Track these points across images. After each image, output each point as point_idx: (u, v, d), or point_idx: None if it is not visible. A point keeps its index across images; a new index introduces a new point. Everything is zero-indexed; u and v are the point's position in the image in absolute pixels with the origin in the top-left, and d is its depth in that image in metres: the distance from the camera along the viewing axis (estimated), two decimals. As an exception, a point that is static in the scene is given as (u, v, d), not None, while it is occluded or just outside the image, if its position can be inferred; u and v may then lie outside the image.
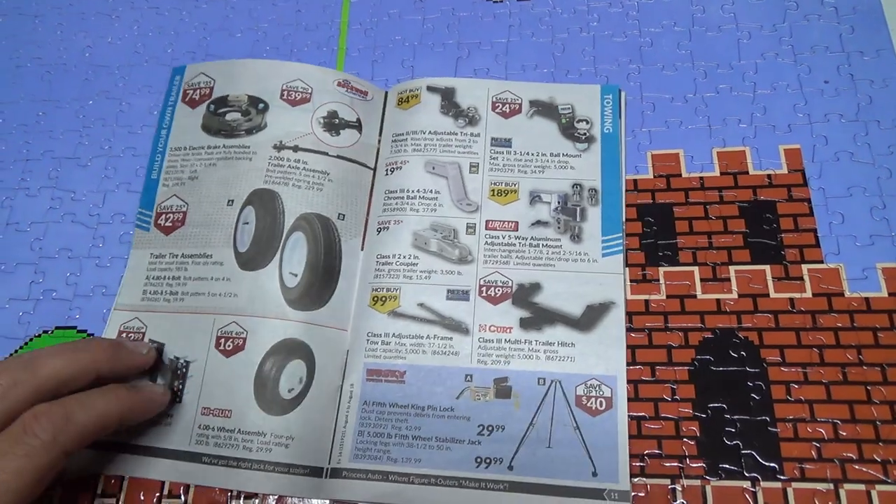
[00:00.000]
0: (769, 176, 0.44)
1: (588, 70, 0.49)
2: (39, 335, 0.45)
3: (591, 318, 0.41)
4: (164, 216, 0.46)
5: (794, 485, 0.36)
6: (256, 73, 0.49)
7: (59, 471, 0.34)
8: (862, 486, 0.36)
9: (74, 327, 0.45)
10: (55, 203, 0.49)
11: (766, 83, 0.47)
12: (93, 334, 0.45)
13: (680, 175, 0.45)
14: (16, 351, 0.45)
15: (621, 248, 0.43)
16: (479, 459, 0.38)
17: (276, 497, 0.39)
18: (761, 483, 0.37)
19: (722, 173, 0.44)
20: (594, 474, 0.37)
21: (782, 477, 0.37)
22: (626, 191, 0.45)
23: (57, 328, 0.46)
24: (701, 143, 0.45)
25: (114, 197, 0.49)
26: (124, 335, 0.44)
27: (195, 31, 0.55)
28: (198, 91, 0.50)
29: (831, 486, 0.36)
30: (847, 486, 0.36)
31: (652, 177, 0.45)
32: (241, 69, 0.50)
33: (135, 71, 0.54)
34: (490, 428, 0.39)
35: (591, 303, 0.42)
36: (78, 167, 0.51)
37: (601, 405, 0.39)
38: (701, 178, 0.44)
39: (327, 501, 0.39)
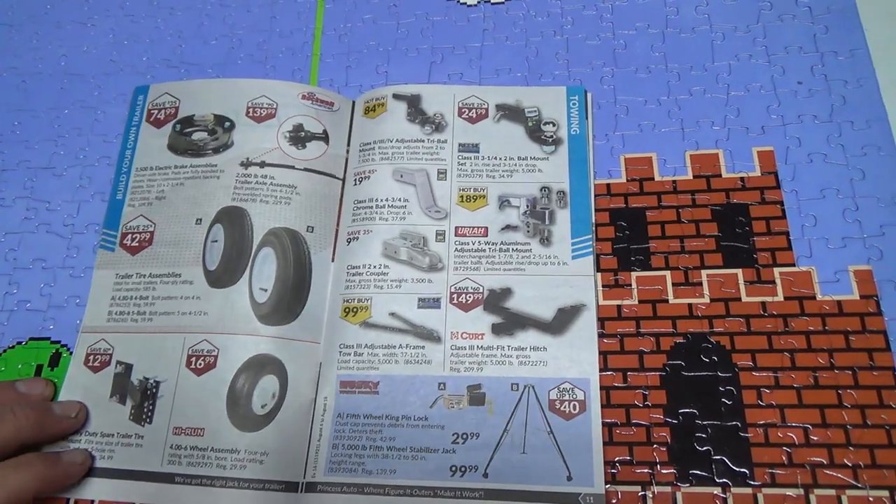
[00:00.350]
0: (742, 178, 0.44)
1: (562, 73, 0.49)
2: (13, 346, 0.45)
3: (562, 321, 0.41)
4: (130, 236, 0.46)
5: (765, 490, 0.36)
6: (222, 91, 0.49)
7: None
8: (832, 492, 0.35)
9: (48, 338, 0.45)
10: (30, 213, 0.49)
11: (739, 84, 0.46)
12: (66, 345, 0.45)
13: (653, 179, 0.44)
14: None
15: (591, 249, 0.43)
16: (453, 468, 0.38)
17: (250, 515, 0.39)
18: (732, 489, 0.36)
19: (695, 176, 0.44)
20: (569, 478, 0.37)
21: (753, 482, 0.36)
22: (599, 195, 0.44)
23: (31, 339, 0.45)
24: (674, 146, 0.45)
25: (88, 206, 0.49)
26: (91, 357, 0.43)
27: (170, 39, 0.55)
28: (162, 111, 0.50)
29: (802, 491, 0.36)
30: (817, 492, 0.36)
31: (625, 181, 0.45)
32: (206, 88, 0.50)
33: (110, 80, 0.54)
34: (464, 436, 0.39)
35: (563, 306, 0.41)
36: (53, 177, 0.51)
37: (574, 408, 0.39)
38: (674, 181, 0.44)
39: (303, 517, 0.39)
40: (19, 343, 0.45)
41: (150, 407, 0.41)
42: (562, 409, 0.39)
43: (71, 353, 0.44)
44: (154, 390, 0.42)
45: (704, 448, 0.37)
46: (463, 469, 0.38)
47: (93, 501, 0.40)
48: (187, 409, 0.41)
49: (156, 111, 0.50)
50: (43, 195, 0.50)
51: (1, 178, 0.51)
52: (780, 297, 0.40)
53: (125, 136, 0.50)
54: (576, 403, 0.39)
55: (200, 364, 0.41)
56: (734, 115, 0.45)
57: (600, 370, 0.40)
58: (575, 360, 0.40)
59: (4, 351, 0.45)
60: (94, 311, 0.45)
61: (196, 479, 0.39)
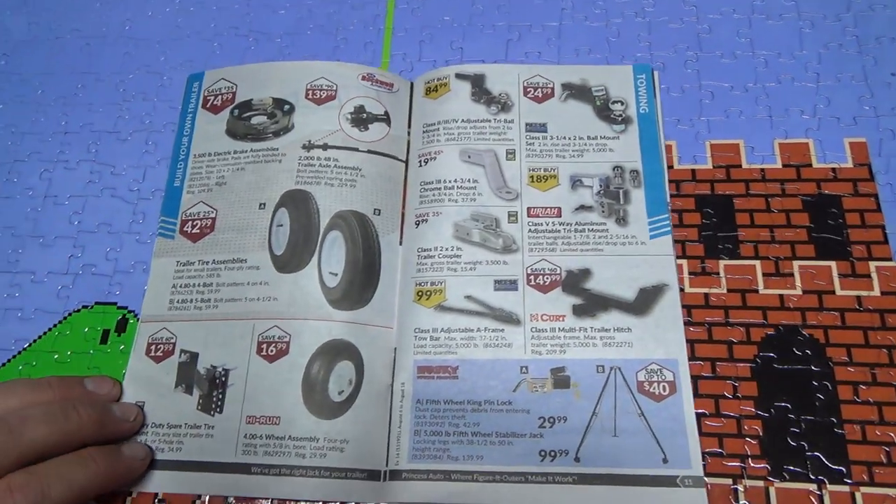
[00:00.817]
0: (834, 169, 0.43)
1: (644, 56, 0.48)
2: (79, 310, 0.44)
3: (645, 301, 0.40)
4: (190, 223, 0.45)
5: (863, 489, 0.35)
6: (279, 75, 0.48)
7: None
8: None
9: (115, 303, 0.44)
10: (94, 177, 0.48)
11: (829, 74, 0.45)
12: (133, 311, 0.44)
13: (740, 166, 0.43)
14: (55, 325, 0.44)
15: (669, 229, 0.42)
16: (543, 453, 0.37)
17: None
18: (828, 486, 0.35)
19: (784, 165, 0.43)
20: (665, 461, 0.36)
21: (849, 481, 0.35)
22: (684, 181, 0.43)
23: (97, 303, 0.44)
24: (762, 133, 0.44)
25: (154, 173, 0.48)
26: (153, 347, 0.42)
27: (238, 6, 0.54)
28: (219, 97, 0.48)
29: None
30: None
31: (711, 167, 0.44)
32: (264, 72, 0.48)
33: (176, 45, 0.53)
34: (551, 420, 0.38)
35: (644, 286, 0.40)
36: (118, 141, 0.49)
37: (664, 390, 0.38)
38: (762, 169, 0.43)
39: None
40: (85, 307, 0.44)
41: (220, 396, 0.40)
42: (651, 390, 0.38)
43: (138, 319, 0.43)
44: (223, 379, 0.40)
45: (798, 443, 0.36)
46: (553, 454, 0.37)
47: (156, 495, 0.38)
48: (260, 398, 0.39)
49: (212, 97, 0.48)
50: (107, 159, 0.49)
51: (64, 140, 0.50)
52: (877, 292, 0.39)
53: (181, 123, 0.48)
54: (665, 385, 0.38)
55: (272, 351, 0.40)
56: (824, 105, 0.44)
57: (688, 359, 0.38)
58: (661, 340, 0.39)
59: (70, 314, 0.44)
60: (154, 299, 0.43)
61: (274, 469, 0.38)
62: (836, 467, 0.35)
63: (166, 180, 0.47)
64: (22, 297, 0.45)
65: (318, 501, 0.37)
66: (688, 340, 0.39)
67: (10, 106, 0.52)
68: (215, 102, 0.48)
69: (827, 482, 0.35)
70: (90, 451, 0.36)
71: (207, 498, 0.38)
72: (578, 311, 0.40)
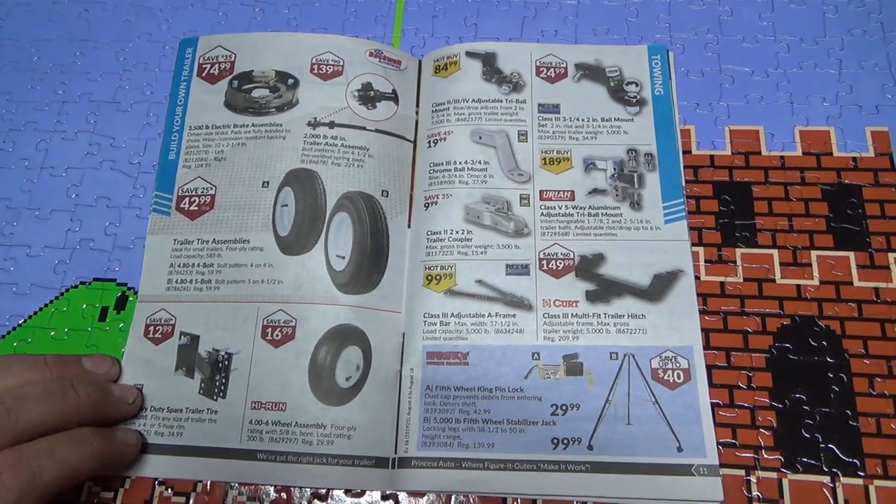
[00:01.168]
0: (854, 158, 0.42)
1: (663, 38, 0.46)
2: (76, 286, 0.43)
3: (659, 287, 0.39)
4: (187, 199, 0.43)
5: (877, 482, 0.35)
6: (281, 46, 0.46)
7: None
8: None
9: (114, 280, 0.43)
10: (93, 148, 0.46)
11: (852, 61, 0.45)
12: (133, 288, 0.42)
13: (759, 153, 0.43)
14: (52, 301, 0.42)
15: (684, 214, 0.41)
16: (555, 441, 0.36)
17: (342, 491, 0.37)
18: (841, 479, 0.35)
19: (804, 153, 0.42)
20: (679, 449, 0.36)
21: (863, 474, 0.35)
22: (702, 166, 0.43)
23: (95, 279, 0.43)
24: (782, 120, 0.43)
25: (155, 146, 0.46)
26: (151, 328, 0.40)
27: None
28: (216, 65, 0.46)
29: None
30: None
31: (730, 153, 0.43)
32: (264, 42, 0.47)
33: (179, 14, 0.50)
34: (564, 407, 0.37)
35: (659, 272, 0.40)
36: (118, 112, 0.48)
37: (679, 377, 0.37)
38: (782, 157, 0.42)
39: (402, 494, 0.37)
40: (83, 283, 0.43)
41: (223, 380, 0.39)
42: (665, 378, 0.37)
43: (138, 296, 0.42)
44: (226, 363, 0.39)
45: (812, 435, 0.36)
46: (566, 441, 0.36)
47: (155, 480, 0.37)
48: (266, 383, 0.38)
49: (208, 65, 0.46)
50: (106, 130, 0.47)
51: (62, 110, 0.48)
52: (895, 284, 0.39)
53: (174, 91, 0.46)
54: (680, 372, 0.37)
55: (277, 335, 0.39)
56: (846, 93, 0.44)
57: (703, 348, 0.38)
58: (676, 327, 0.38)
59: (67, 290, 0.43)
60: (151, 279, 0.42)
61: (281, 456, 0.37)
62: (850, 460, 0.35)
63: (159, 152, 0.45)
64: (17, 272, 0.43)
65: (325, 489, 0.37)
66: (702, 329, 0.38)
67: (5, 72, 0.50)
68: (212, 71, 0.46)
69: (840, 475, 0.35)
70: (84, 432, 0.34)
71: (209, 484, 0.37)
72: (592, 296, 0.39)
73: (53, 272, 0.43)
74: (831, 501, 0.35)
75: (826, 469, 0.35)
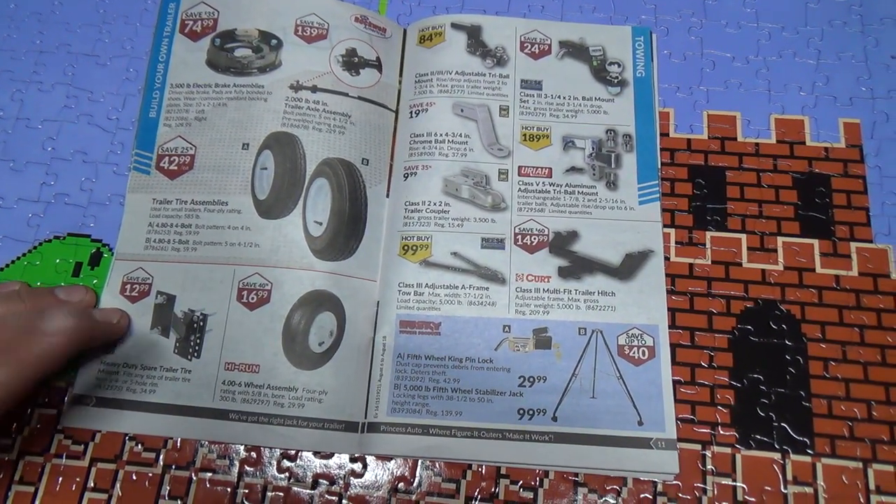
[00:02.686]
0: (826, 148, 0.43)
1: (648, 19, 0.47)
2: (50, 240, 0.42)
3: (630, 266, 0.40)
4: (167, 158, 0.43)
5: (824, 460, 0.36)
6: (267, 5, 0.45)
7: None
8: (891, 468, 0.36)
9: (88, 235, 0.43)
10: (70, 102, 0.46)
11: (830, 52, 0.45)
12: (108, 245, 0.42)
13: (735, 139, 0.43)
14: (24, 255, 0.42)
15: (658, 195, 0.42)
16: (521, 411, 0.38)
17: (311, 452, 0.38)
18: (791, 456, 0.37)
19: (778, 141, 0.43)
20: (640, 423, 0.37)
21: (812, 452, 0.37)
22: (679, 150, 0.43)
23: (69, 234, 0.43)
24: (759, 107, 0.44)
25: (134, 102, 0.45)
26: (128, 286, 0.40)
27: None
28: (199, 22, 0.46)
29: (860, 464, 0.36)
30: (876, 466, 0.36)
31: (706, 138, 0.44)
32: (249, 0, 0.46)
33: None
34: (531, 379, 0.38)
35: (630, 251, 0.41)
36: (96, 66, 0.47)
37: (643, 354, 0.38)
38: (756, 143, 0.43)
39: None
40: (57, 237, 0.42)
41: (198, 340, 0.39)
42: (631, 354, 0.38)
43: (112, 253, 0.42)
44: (201, 323, 0.39)
45: (767, 414, 0.37)
46: (531, 412, 0.37)
47: (126, 436, 0.38)
48: (240, 345, 0.39)
49: (190, 22, 0.46)
50: (85, 84, 0.46)
51: (39, 60, 0.47)
52: (855, 272, 0.40)
53: (155, 47, 0.46)
54: (645, 349, 0.39)
55: (253, 298, 0.39)
56: (823, 83, 0.45)
57: (668, 327, 0.39)
58: (643, 306, 0.39)
59: (41, 244, 0.42)
60: (129, 237, 0.42)
61: (252, 417, 0.37)
62: (801, 438, 0.37)
63: (140, 110, 0.45)
64: None
65: (295, 450, 0.37)
66: (669, 309, 0.40)
67: None
68: (194, 28, 0.46)
69: (791, 452, 0.37)
70: (55, 309, 0.35)
71: (179, 441, 0.38)
72: (564, 272, 0.40)
73: (27, 225, 0.43)
74: (780, 476, 0.36)
75: (777, 446, 0.37)
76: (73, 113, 0.45)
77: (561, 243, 0.41)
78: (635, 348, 0.39)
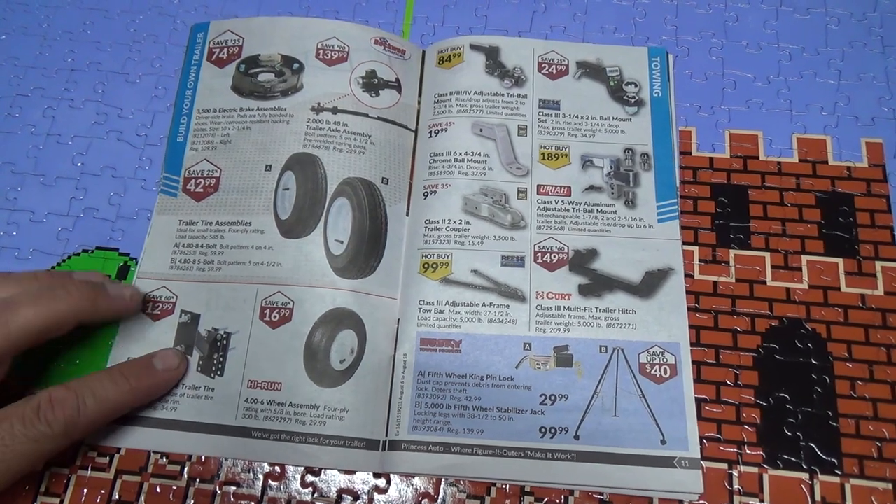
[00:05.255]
0: (849, 168, 0.43)
1: (669, 39, 0.47)
2: (78, 253, 0.43)
3: (650, 284, 0.40)
4: (193, 181, 0.44)
5: (853, 481, 0.36)
6: (289, 31, 0.47)
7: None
8: None
9: (116, 249, 0.43)
10: (100, 118, 0.47)
11: (851, 72, 0.45)
12: (135, 259, 0.43)
13: (757, 157, 0.44)
14: (53, 267, 0.43)
15: (677, 213, 0.42)
16: (543, 429, 0.37)
17: (336, 471, 0.38)
18: (819, 476, 0.36)
19: (801, 160, 0.43)
20: (663, 442, 0.37)
21: (840, 472, 0.36)
22: (700, 168, 0.43)
23: (98, 248, 0.43)
24: (781, 126, 0.44)
25: (163, 119, 0.47)
26: (151, 305, 0.41)
27: None
28: (225, 50, 0.47)
29: (889, 485, 0.36)
30: None
31: (728, 156, 0.44)
32: (272, 27, 0.47)
33: None
34: (553, 397, 0.38)
35: (650, 269, 0.41)
36: (126, 83, 0.48)
37: (665, 372, 0.38)
38: (779, 162, 0.43)
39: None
40: (85, 251, 0.43)
41: (221, 359, 0.39)
42: (652, 372, 0.38)
43: (136, 273, 0.42)
44: (225, 342, 0.40)
45: (794, 433, 0.37)
46: (553, 430, 0.37)
47: (149, 453, 0.38)
48: (262, 363, 0.39)
49: (217, 50, 0.47)
50: (114, 101, 0.48)
51: (70, 78, 0.48)
52: (881, 292, 0.40)
53: (184, 75, 0.47)
54: (667, 367, 0.38)
55: (275, 316, 0.40)
56: (844, 103, 0.45)
57: (692, 344, 0.39)
58: (664, 324, 0.39)
59: (69, 257, 0.43)
60: (154, 257, 0.42)
61: (275, 434, 0.38)
62: (829, 458, 0.36)
63: (168, 135, 0.46)
64: (19, 236, 0.44)
65: (316, 469, 0.38)
66: (693, 326, 0.39)
67: (14, 37, 0.50)
68: (221, 55, 0.47)
69: (819, 472, 0.36)
70: (122, 369, 0.36)
71: (202, 458, 0.38)
72: (584, 290, 0.40)
73: (56, 238, 0.44)
74: (808, 497, 0.36)
75: (805, 466, 0.36)
76: (102, 129, 0.47)
77: (581, 261, 0.41)
78: (657, 366, 0.38)
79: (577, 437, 0.37)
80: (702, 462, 0.36)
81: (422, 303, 0.40)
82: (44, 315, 0.34)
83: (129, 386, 0.36)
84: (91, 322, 0.37)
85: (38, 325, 0.34)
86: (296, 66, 0.45)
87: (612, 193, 0.43)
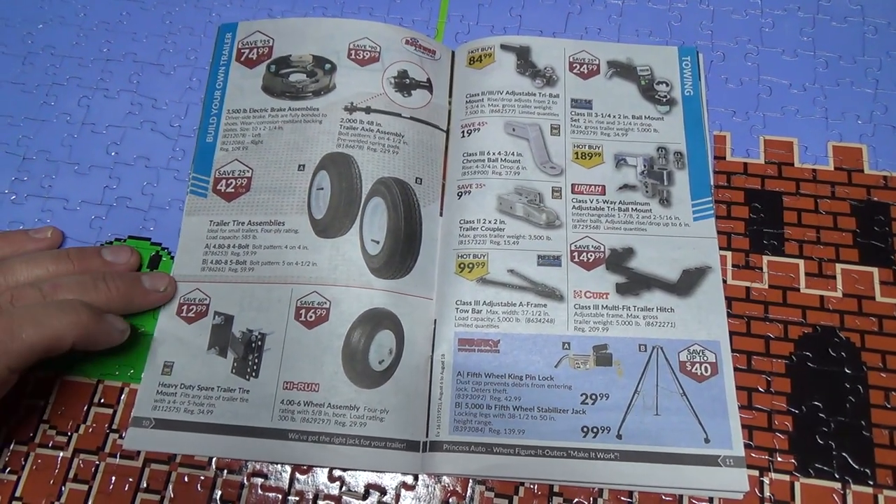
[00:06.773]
0: (885, 177, 0.43)
1: (705, 44, 0.47)
2: (111, 242, 0.43)
3: (688, 282, 0.40)
4: (224, 181, 0.43)
5: (886, 492, 0.36)
6: (319, 31, 0.46)
7: (8, 386, 0.33)
8: None
9: (149, 239, 0.43)
10: (135, 108, 0.47)
11: (889, 81, 0.46)
12: (167, 248, 0.43)
13: (792, 164, 0.43)
14: None
15: (712, 212, 0.42)
16: (585, 429, 0.37)
17: (372, 473, 0.37)
18: (851, 486, 0.36)
19: (836, 168, 0.43)
20: (706, 441, 0.36)
21: (873, 483, 0.36)
22: (735, 173, 0.43)
23: (130, 237, 0.43)
24: (817, 134, 0.44)
25: (197, 110, 0.46)
26: (185, 307, 0.41)
27: None
28: (255, 50, 0.47)
29: None
30: None
31: (763, 162, 0.44)
32: (302, 27, 0.47)
33: None
34: (594, 396, 0.38)
35: (687, 267, 0.40)
36: (161, 74, 0.48)
37: (706, 371, 0.38)
38: (814, 170, 0.43)
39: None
40: (118, 239, 0.43)
41: (256, 360, 0.39)
42: (693, 370, 0.38)
43: (172, 257, 0.42)
44: (259, 343, 0.39)
45: (826, 442, 0.37)
46: (595, 430, 0.37)
47: (174, 456, 0.38)
48: (299, 364, 0.39)
49: (247, 50, 0.47)
50: (149, 92, 0.47)
51: (105, 68, 0.48)
52: None
53: (212, 75, 0.47)
54: (707, 366, 0.38)
55: (311, 317, 0.39)
56: (881, 112, 0.45)
57: (727, 347, 0.39)
58: (703, 322, 0.39)
59: (102, 245, 0.43)
60: (186, 259, 0.42)
61: (313, 436, 0.37)
62: (862, 469, 0.36)
63: (197, 135, 0.45)
64: (53, 223, 0.43)
65: (356, 470, 0.37)
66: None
67: (51, 26, 0.50)
68: (250, 56, 0.47)
69: (851, 482, 0.36)
70: (74, 303, 0.35)
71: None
72: (622, 289, 0.40)
73: (89, 227, 0.44)
74: (842, 506, 0.36)
75: (837, 476, 0.36)
76: (136, 119, 0.47)
77: (617, 260, 0.41)
78: (697, 364, 0.38)
79: (619, 437, 0.37)
80: (745, 459, 0.36)
81: (459, 303, 0.40)
82: (83, 323, 0.34)
83: (75, 320, 0.34)
84: (123, 315, 0.37)
85: (73, 335, 0.34)
86: (328, 66, 0.45)
87: (647, 192, 0.43)
